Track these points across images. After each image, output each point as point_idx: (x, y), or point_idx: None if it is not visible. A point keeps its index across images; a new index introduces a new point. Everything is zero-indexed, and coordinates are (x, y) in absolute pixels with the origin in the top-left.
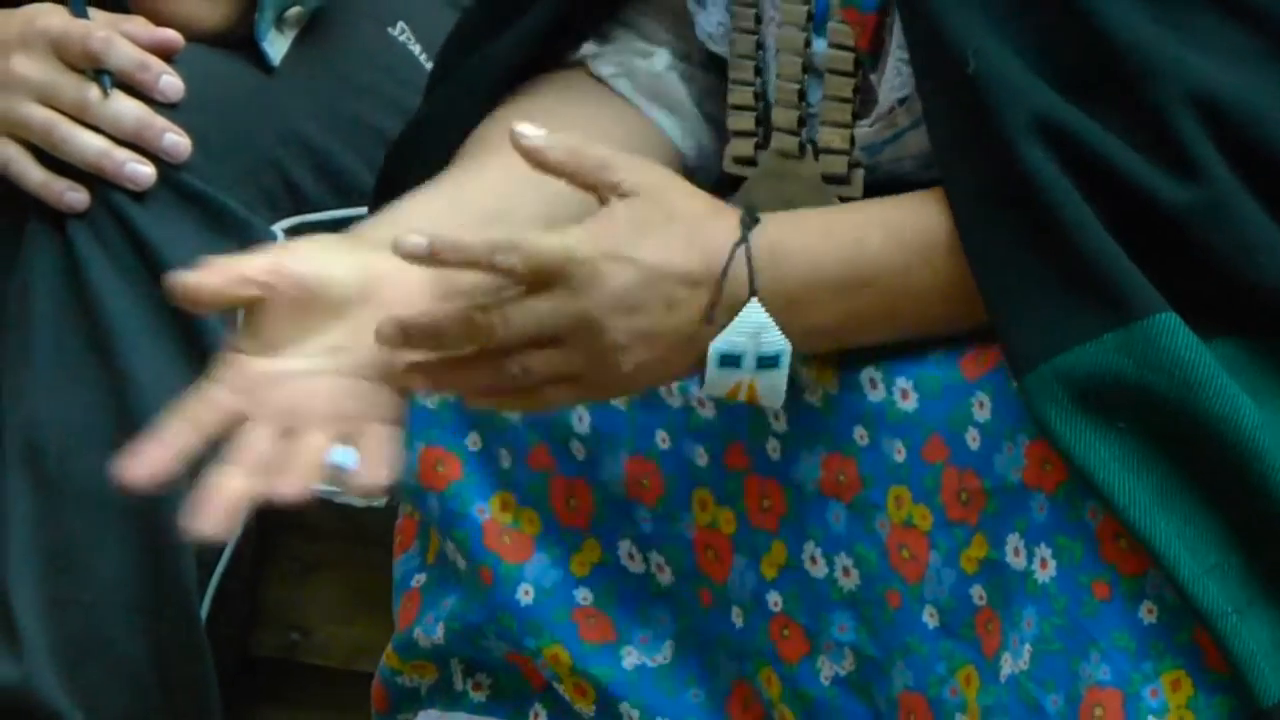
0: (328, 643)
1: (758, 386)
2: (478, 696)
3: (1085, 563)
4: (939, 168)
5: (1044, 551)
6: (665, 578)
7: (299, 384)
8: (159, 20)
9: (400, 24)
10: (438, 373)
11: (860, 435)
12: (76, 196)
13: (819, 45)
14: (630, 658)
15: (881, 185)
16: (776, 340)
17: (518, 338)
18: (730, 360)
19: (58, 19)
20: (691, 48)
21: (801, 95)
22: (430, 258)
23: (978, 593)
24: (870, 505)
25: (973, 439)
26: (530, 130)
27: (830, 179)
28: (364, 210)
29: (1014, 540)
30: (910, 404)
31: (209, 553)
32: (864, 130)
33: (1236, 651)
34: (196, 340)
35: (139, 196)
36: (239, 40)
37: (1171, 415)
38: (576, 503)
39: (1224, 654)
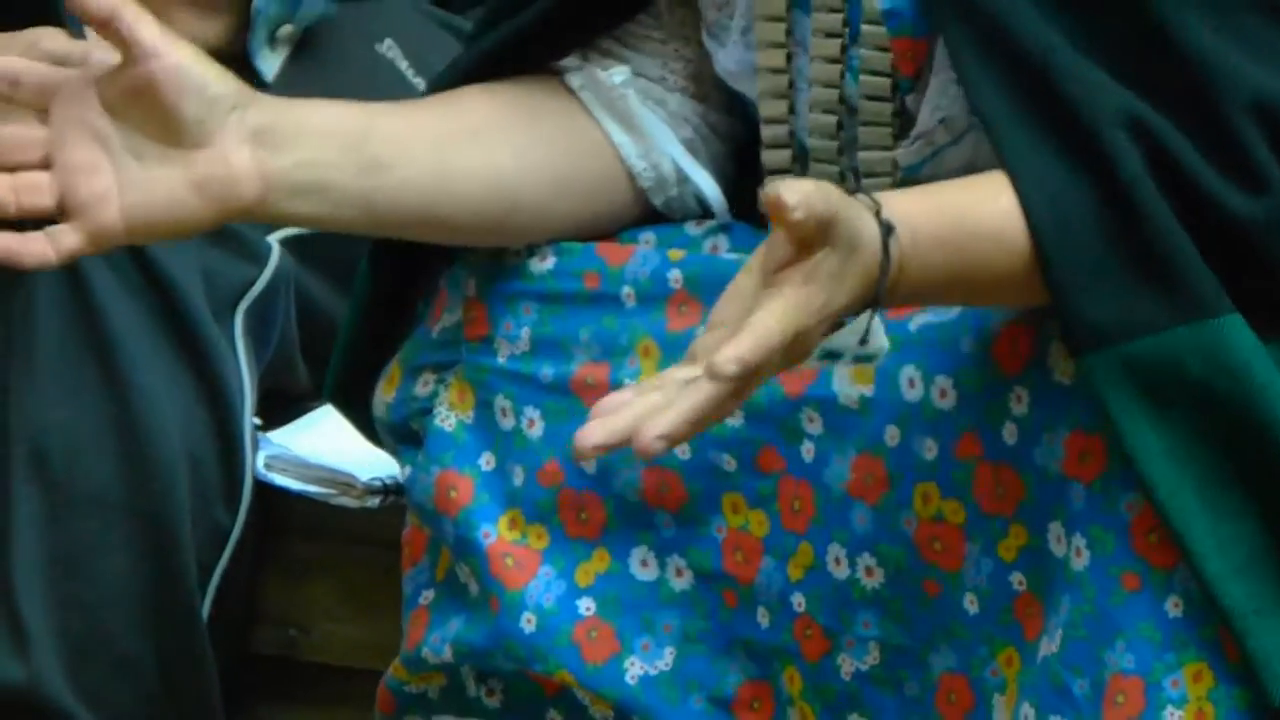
0: (326, 640)
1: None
2: (491, 703)
3: (1117, 554)
4: (1007, 165)
5: (1079, 540)
6: (682, 582)
7: None
8: None
9: (388, 40)
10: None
11: (892, 435)
12: None
13: (851, 75)
14: (633, 669)
15: None
16: (879, 342)
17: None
18: (831, 355)
19: (58, 40)
20: (704, 87)
21: (840, 126)
22: (738, 378)
23: (1017, 579)
24: (896, 504)
25: (1010, 433)
26: (791, 200)
27: None
28: None
29: (1055, 528)
30: (948, 402)
31: (210, 553)
32: (902, 151)
33: (1254, 650)
34: (196, 349)
35: None
36: (233, 57)
37: (1226, 414)
38: (587, 515)
39: (1241, 652)
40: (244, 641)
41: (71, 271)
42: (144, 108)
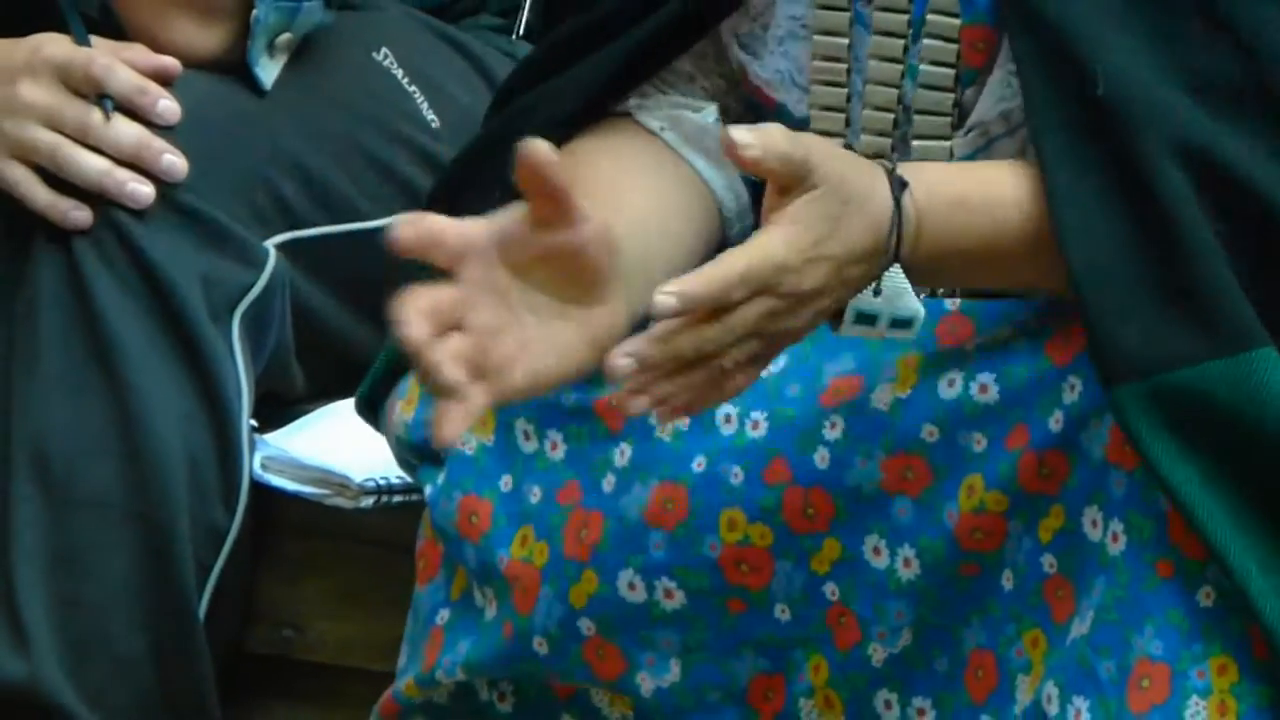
0: (319, 639)
1: (885, 340)
2: (503, 708)
3: (1153, 541)
4: (1047, 173)
5: (1116, 526)
6: (673, 603)
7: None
8: (157, 48)
9: (384, 49)
10: (658, 388)
11: (929, 433)
12: (80, 215)
13: (909, 73)
14: (645, 683)
15: None
16: (912, 305)
17: (735, 341)
18: (866, 319)
19: (62, 47)
20: (731, 99)
21: (895, 124)
22: (679, 311)
23: (1049, 561)
24: (942, 497)
25: (1056, 421)
26: (744, 138)
27: None
28: (351, 226)
29: (1092, 513)
30: (989, 397)
31: (208, 553)
32: (958, 141)
33: None
34: (196, 352)
35: (140, 214)
36: (233, 65)
37: (1257, 443)
38: (586, 534)
39: (1273, 652)
40: (239, 640)
41: (73, 276)
42: (553, 269)
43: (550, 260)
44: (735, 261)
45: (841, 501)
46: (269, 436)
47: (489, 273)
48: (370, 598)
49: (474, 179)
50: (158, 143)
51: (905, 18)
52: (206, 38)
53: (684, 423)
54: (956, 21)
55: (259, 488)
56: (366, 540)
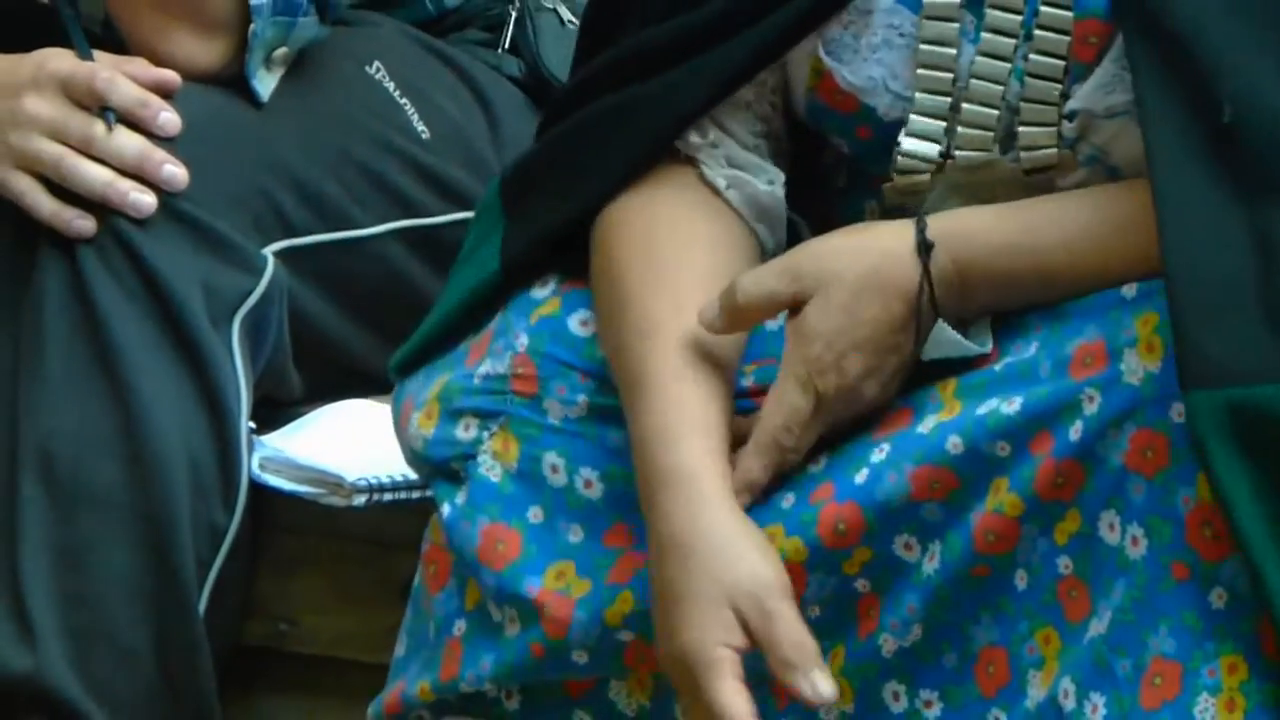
0: (313, 632)
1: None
2: (510, 705)
3: (1171, 545)
4: (1155, 188)
5: (1136, 530)
6: None
7: None
8: (158, 61)
9: (376, 63)
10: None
11: (954, 444)
12: (84, 224)
13: (1015, 71)
14: None
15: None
16: (973, 348)
17: (806, 446)
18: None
19: (66, 61)
20: (777, 143)
21: (999, 120)
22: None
23: (1064, 562)
24: (971, 498)
25: (1075, 431)
26: (711, 317)
27: (1032, 172)
28: (344, 234)
29: (1109, 517)
30: (1014, 409)
31: (207, 551)
32: (1065, 126)
33: None
34: (196, 356)
35: (142, 223)
36: (231, 78)
37: None
38: (633, 566)
39: None
40: (237, 633)
41: (77, 283)
42: None
43: None
44: (771, 417)
45: (870, 516)
46: (266, 438)
47: None
48: (362, 593)
49: (541, 192)
50: (159, 153)
51: (1018, 18)
52: (206, 52)
53: None
54: (1069, 14)
55: (256, 487)
56: (359, 537)
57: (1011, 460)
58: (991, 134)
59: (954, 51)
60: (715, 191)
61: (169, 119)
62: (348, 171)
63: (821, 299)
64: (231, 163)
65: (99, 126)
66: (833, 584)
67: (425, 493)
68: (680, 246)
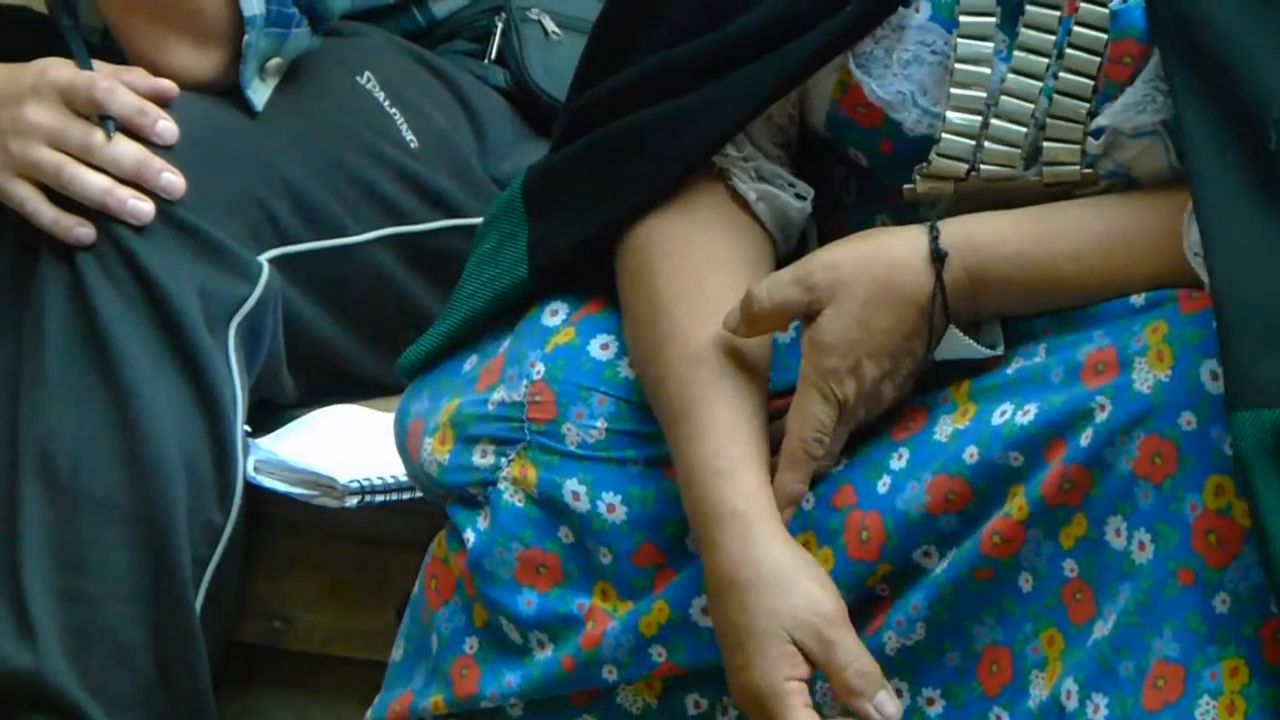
0: (306, 630)
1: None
2: (514, 713)
3: (1177, 550)
4: (1200, 211)
5: (1143, 535)
6: None
7: None
8: (156, 71)
9: (366, 73)
10: None
11: (970, 454)
12: (84, 231)
13: (1044, 90)
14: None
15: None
16: (985, 351)
17: (837, 451)
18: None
19: (66, 71)
20: (793, 132)
21: (1026, 137)
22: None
23: (1069, 565)
24: (989, 507)
25: (1086, 437)
26: (734, 324)
27: (1052, 185)
28: (335, 241)
29: (1115, 522)
30: (1028, 419)
31: (204, 551)
32: (1091, 143)
33: None
34: (193, 361)
35: (140, 230)
36: (226, 88)
37: None
38: (663, 578)
39: None
40: (232, 631)
41: (76, 289)
42: None
43: None
44: (799, 431)
45: (891, 525)
46: (260, 441)
47: None
48: (354, 592)
49: (568, 195)
50: (157, 162)
51: (1052, 38)
52: (202, 62)
53: None
54: (1103, 35)
55: (251, 488)
56: (351, 538)
57: (1026, 469)
58: (1019, 150)
59: (988, 71)
60: (745, 204)
61: (167, 128)
62: (339, 180)
63: (835, 310)
64: (228, 171)
65: (98, 135)
66: (853, 598)
67: (415, 494)
68: (720, 270)
